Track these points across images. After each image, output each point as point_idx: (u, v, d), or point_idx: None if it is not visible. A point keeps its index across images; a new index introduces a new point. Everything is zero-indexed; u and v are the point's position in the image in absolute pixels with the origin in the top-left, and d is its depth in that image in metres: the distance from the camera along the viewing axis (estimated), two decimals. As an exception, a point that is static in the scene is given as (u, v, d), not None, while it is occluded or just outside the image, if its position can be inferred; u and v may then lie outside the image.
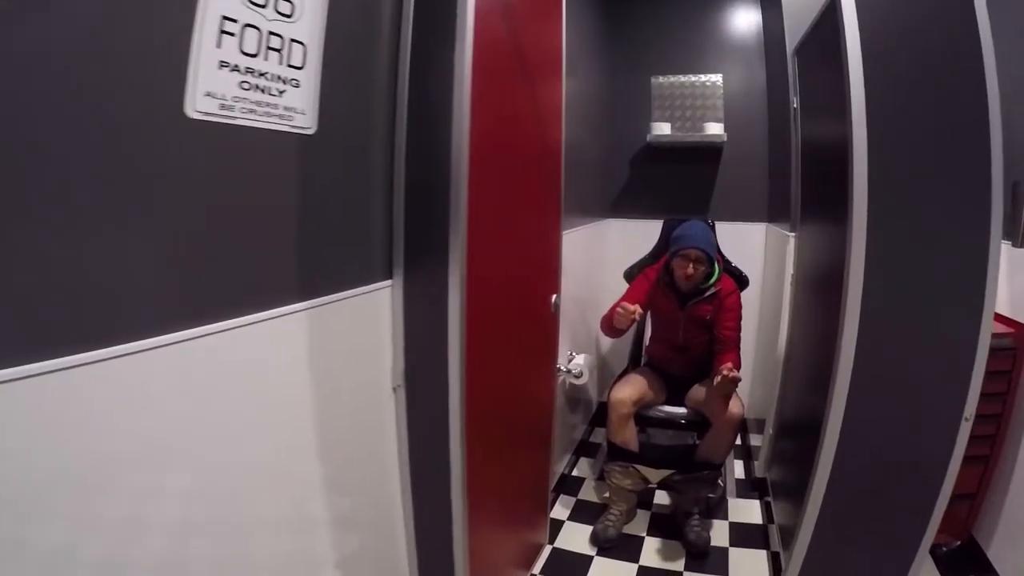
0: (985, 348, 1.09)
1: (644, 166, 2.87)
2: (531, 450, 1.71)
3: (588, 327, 2.55)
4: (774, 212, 2.57)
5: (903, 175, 1.13)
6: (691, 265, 1.91)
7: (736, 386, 1.81)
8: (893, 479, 1.21)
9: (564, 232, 1.76)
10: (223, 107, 0.76)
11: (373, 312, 1.15)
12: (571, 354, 2.09)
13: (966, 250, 1.08)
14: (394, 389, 1.22)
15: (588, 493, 2.30)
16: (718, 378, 1.76)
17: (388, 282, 1.18)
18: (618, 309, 1.85)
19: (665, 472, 1.92)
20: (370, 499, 1.20)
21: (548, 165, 1.59)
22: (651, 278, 2.09)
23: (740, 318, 2.02)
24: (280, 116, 0.86)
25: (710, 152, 2.74)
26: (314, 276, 0.98)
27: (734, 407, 1.86)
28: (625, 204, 2.90)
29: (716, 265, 2.01)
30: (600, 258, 2.78)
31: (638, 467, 1.94)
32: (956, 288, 1.10)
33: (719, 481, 2.03)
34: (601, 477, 2.28)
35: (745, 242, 2.62)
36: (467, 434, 1.13)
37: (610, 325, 1.94)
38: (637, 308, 1.82)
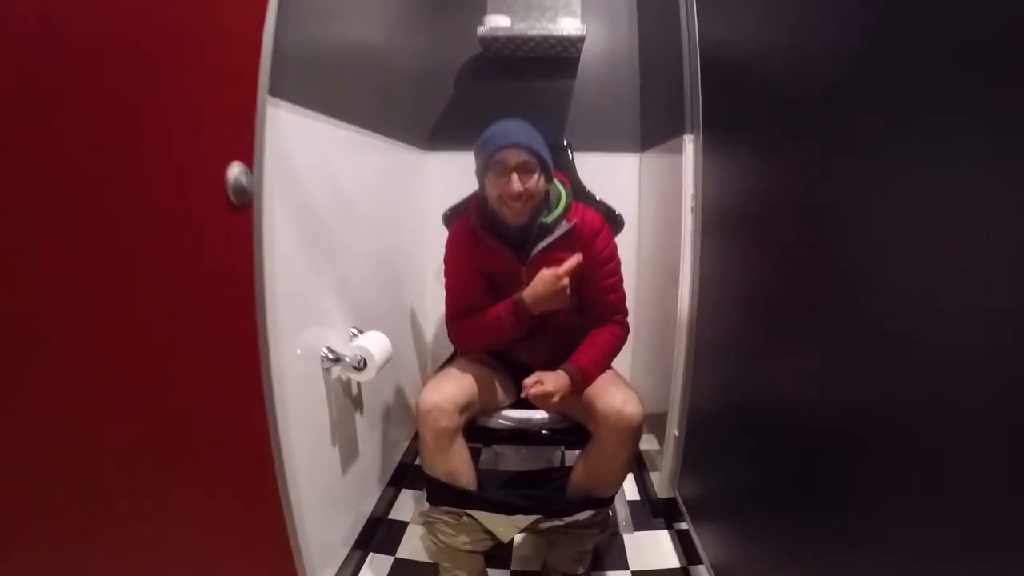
0: None
1: (477, 82, 2.05)
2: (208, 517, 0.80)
3: (396, 292, 1.71)
4: (651, 137, 1.91)
5: None
6: (513, 176, 1.14)
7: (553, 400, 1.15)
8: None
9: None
10: None
11: None
12: (355, 331, 1.22)
13: None
14: None
15: (412, 546, 1.45)
16: (531, 387, 1.14)
17: None
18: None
19: (524, 520, 1.13)
20: None
21: None
22: (467, 230, 1.30)
23: (619, 270, 1.33)
24: None
25: (564, 63, 2.04)
26: None
27: (627, 405, 1.12)
28: (449, 133, 2.05)
29: (560, 187, 1.26)
30: (416, 202, 1.94)
31: (476, 515, 1.12)
32: None
33: (609, 515, 1.26)
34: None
35: (613, 179, 1.95)
36: None
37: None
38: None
